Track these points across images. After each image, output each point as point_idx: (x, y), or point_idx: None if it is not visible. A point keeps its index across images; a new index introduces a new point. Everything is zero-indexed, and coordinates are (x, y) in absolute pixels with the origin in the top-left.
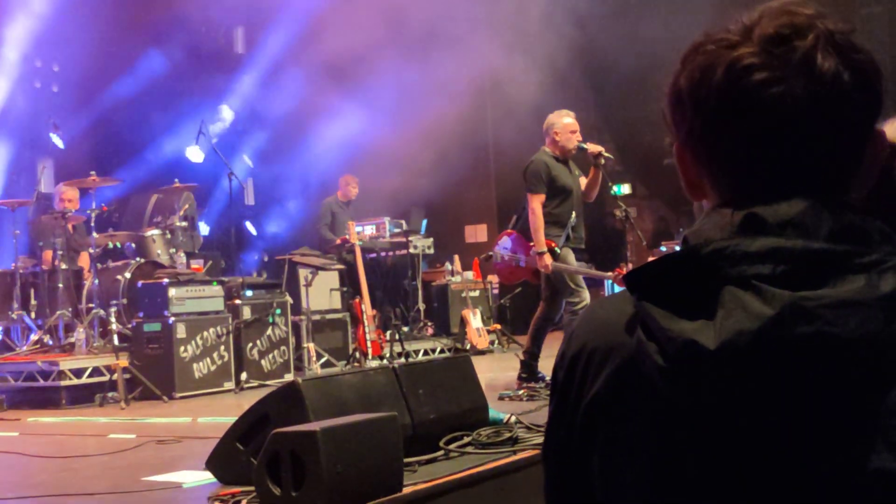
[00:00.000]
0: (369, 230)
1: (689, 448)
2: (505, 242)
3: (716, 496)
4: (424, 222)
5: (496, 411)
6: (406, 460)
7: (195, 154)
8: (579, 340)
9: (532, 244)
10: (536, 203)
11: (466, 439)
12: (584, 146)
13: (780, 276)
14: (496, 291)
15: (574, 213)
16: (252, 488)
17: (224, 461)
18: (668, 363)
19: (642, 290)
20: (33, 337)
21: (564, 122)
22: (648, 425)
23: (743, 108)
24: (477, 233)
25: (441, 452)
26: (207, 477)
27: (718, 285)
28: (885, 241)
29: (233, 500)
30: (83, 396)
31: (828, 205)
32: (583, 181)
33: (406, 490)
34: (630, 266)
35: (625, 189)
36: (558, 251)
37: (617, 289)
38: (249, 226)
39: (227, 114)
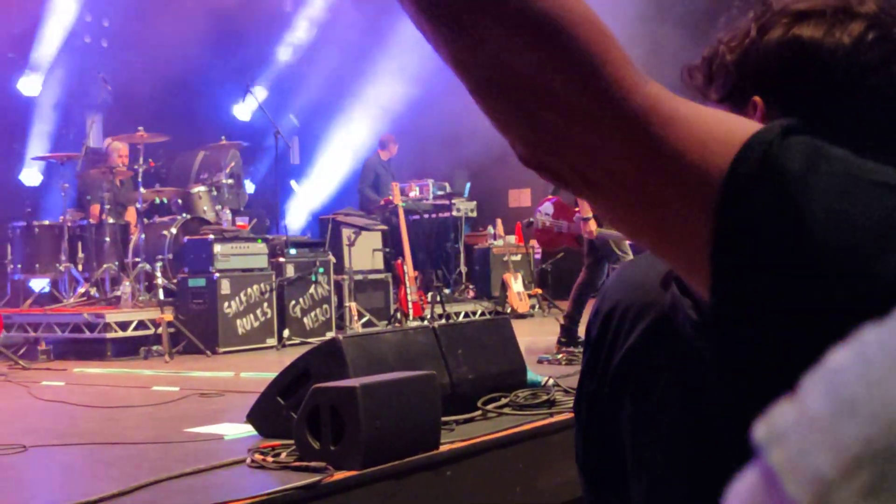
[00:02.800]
0: (413, 192)
1: (720, 402)
2: (546, 208)
3: (744, 450)
4: (468, 185)
5: (534, 374)
6: (444, 419)
7: (242, 112)
8: (613, 297)
9: (576, 209)
10: None
11: (504, 400)
12: None
13: None
14: (538, 256)
15: None
16: (291, 441)
17: (265, 415)
18: (701, 318)
19: None
20: (80, 289)
21: None
22: (680, 380)
23: (860, 81)
24: (520, 197)
25: (479, 412)
26: (248, 430)
27: None
28: None
29: (272, 452)
30: (128, 349)
31: None
32: None
33: (443, 448)
34: None
35: None
36: None
37: None
38: (294, 184)
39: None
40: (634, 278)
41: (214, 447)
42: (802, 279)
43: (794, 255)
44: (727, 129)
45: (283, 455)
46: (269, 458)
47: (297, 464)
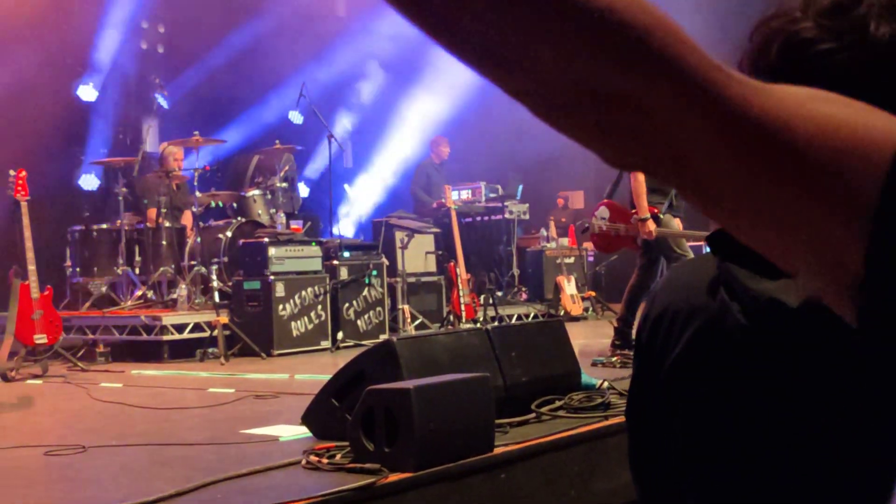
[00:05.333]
0: (465, 194)
1: (770, 405)
2: (602, 212)
3: (796, 453)
4: (520, 188)
5: (589, 377)
6: (498, 421)
7: (296, 116)
8: (662, 302)
9: (633, 211)
10: None
11: (558, 403)
12: None
13: None
14: (591, 258)
15: None
16: (346, 443)
17: (319, 416)
18: (750, 322)
19: (725, 251)
20: (137, 292)
21: None
22: (730, 384)
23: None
24: (574, 199)
25: (533, 415)
26: (303, 431)
27: None
28: None
29: (327, 454)
30: (184, 351)
31: None
32: None
33: (497, 450)
34: None
35: None
36: (661, 217)
37: None
38: (348, 188)
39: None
40: (682, 282)
41: (270, 448)
42: None
43: None
44: (878, 126)
45: (338, 457)
46: (324, 460)
47: (352, 465)
